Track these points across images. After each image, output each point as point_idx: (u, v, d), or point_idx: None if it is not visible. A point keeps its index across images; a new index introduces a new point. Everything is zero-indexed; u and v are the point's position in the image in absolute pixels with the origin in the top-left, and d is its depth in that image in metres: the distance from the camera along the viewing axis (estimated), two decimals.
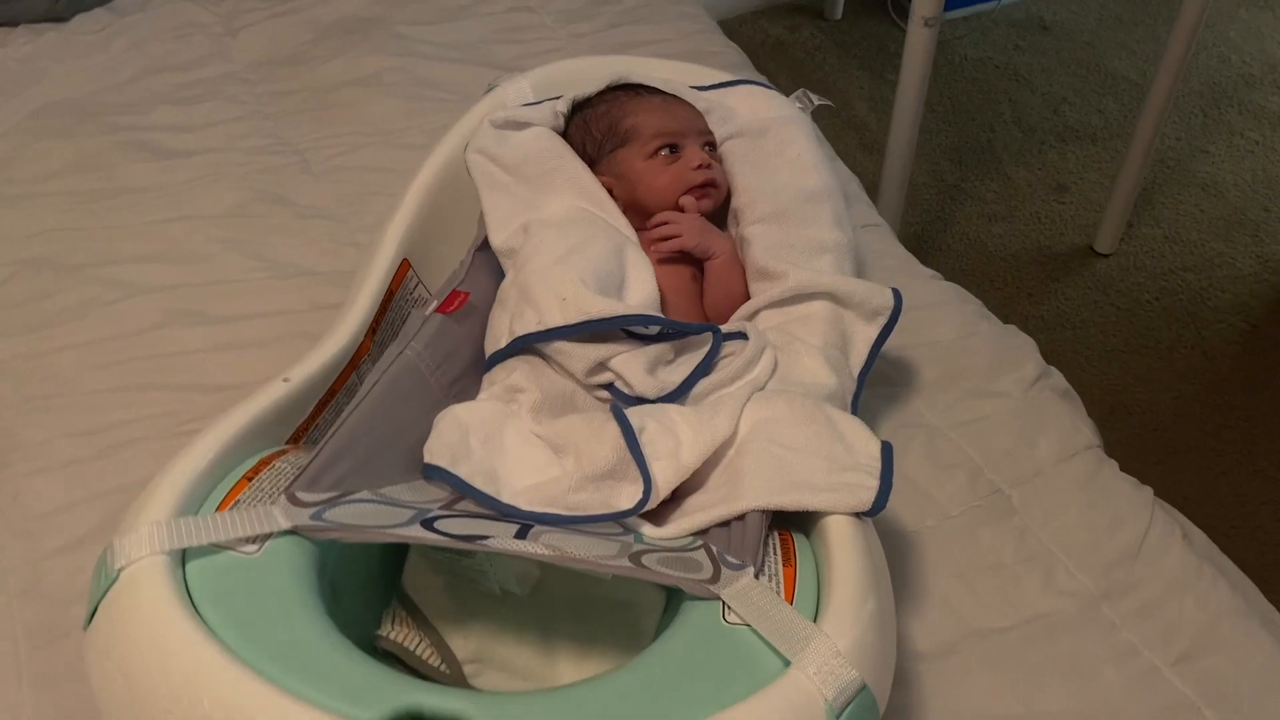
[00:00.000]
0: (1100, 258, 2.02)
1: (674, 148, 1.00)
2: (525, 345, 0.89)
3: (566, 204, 0.99)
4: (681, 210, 1.00)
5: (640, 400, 0.87)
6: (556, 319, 0.86)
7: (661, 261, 0.98)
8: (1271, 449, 1.70)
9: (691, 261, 1.00)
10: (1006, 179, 2.18)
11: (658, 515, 0.81)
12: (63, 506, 0.96)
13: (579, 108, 1.04)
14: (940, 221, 2.09)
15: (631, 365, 0.87)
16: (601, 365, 0.88)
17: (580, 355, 0.87)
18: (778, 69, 2.42)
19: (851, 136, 2.26)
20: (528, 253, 0.94)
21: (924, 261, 1.24)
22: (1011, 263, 2.01)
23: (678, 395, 0.87)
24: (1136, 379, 1.81)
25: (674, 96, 1.04)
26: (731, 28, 2.52)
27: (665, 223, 0.98)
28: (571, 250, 0.91)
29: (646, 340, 0.89)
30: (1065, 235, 2.07)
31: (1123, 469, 1.02)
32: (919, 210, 2.09)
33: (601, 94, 1.04)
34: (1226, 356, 1.84)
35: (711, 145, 1.03)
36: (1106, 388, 1.79)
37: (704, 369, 0.88)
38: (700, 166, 1.00)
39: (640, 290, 0.92)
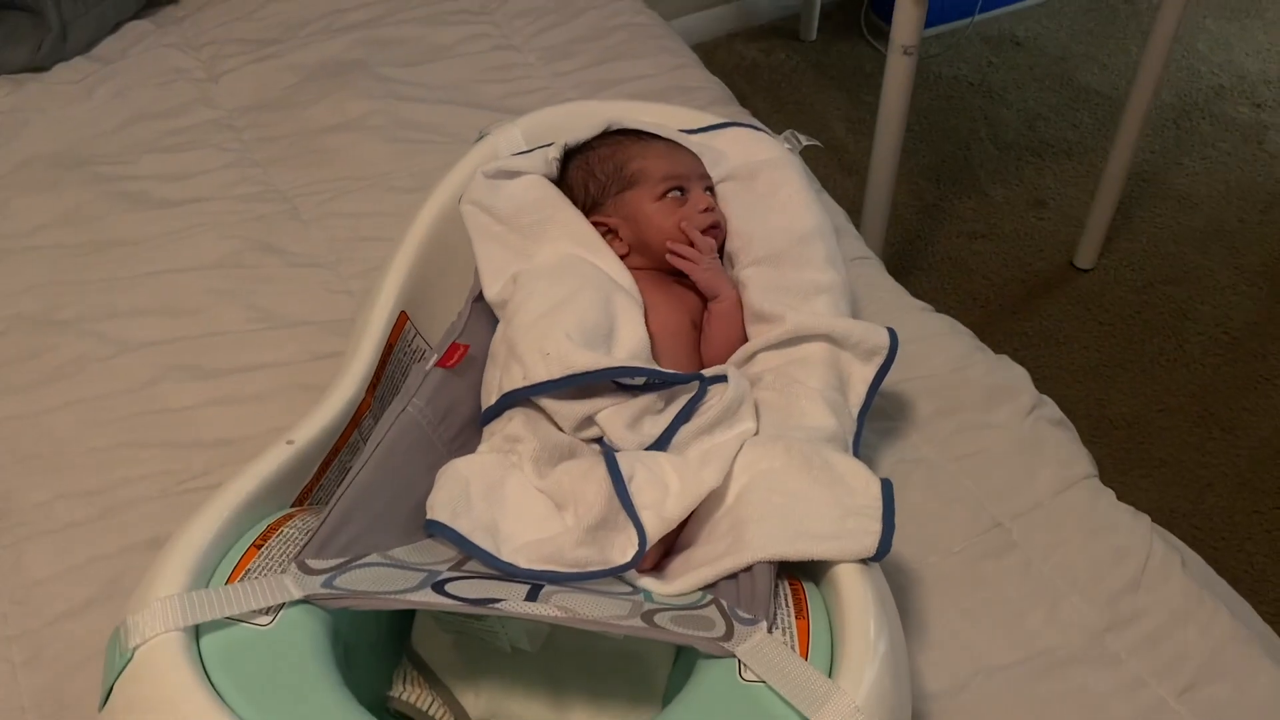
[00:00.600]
0: (1081, 273, 2.04)
1: (681, 190, 1.02)
2: (514, 401, 0.89)
3: (560, 251, 1.00)
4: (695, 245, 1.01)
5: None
6: (541, 374, 0.87)
7: (664, 302, 0.99)
8: (1255, 459, 1.72)
9: (690, 306, 1.01)
10: (985, 196, 2.20)
11: (664, 570, 0.82)
12: (64, 571, 0.95)
13: (577, 151, 1.05)
14: (921, 241, 2.10)
15: (615, 420, 0.87)
16: (589, 419, 0.88)
17: (568, 412, 0.88)
18: (754, 91, 2.44)
19: (831, 158, 2.28)
20: (515, 305, 0.94)
21: (906, 281, 1.25)
22: (993, 280, 2.03)
23: (660, 446, 0.88)
24: (1121, 393, 1.83)
25: (676, 144, 1.05)
26: (707, 50, 2.54)
27: (688, 244, 1.00)
28: (559, 303, 0.92)
29: (635, 391, 0.89)
30: (1045, 251, 2.09)
31: (1110, 483, 1.03)
32: (900, 230, 2.11)
33: (602, 137, 1.05)
34: (1208, 368, 1.87)
35: (711, 189, 1.05)
36: (1092, 402, 1.81)
37: (684, 416, 0.89)
38: (706, 210, 1.01)
39: (630, 338, 0.93)
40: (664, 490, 0.82)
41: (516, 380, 0.89)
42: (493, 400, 0.91)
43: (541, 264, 0.99)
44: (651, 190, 1.01)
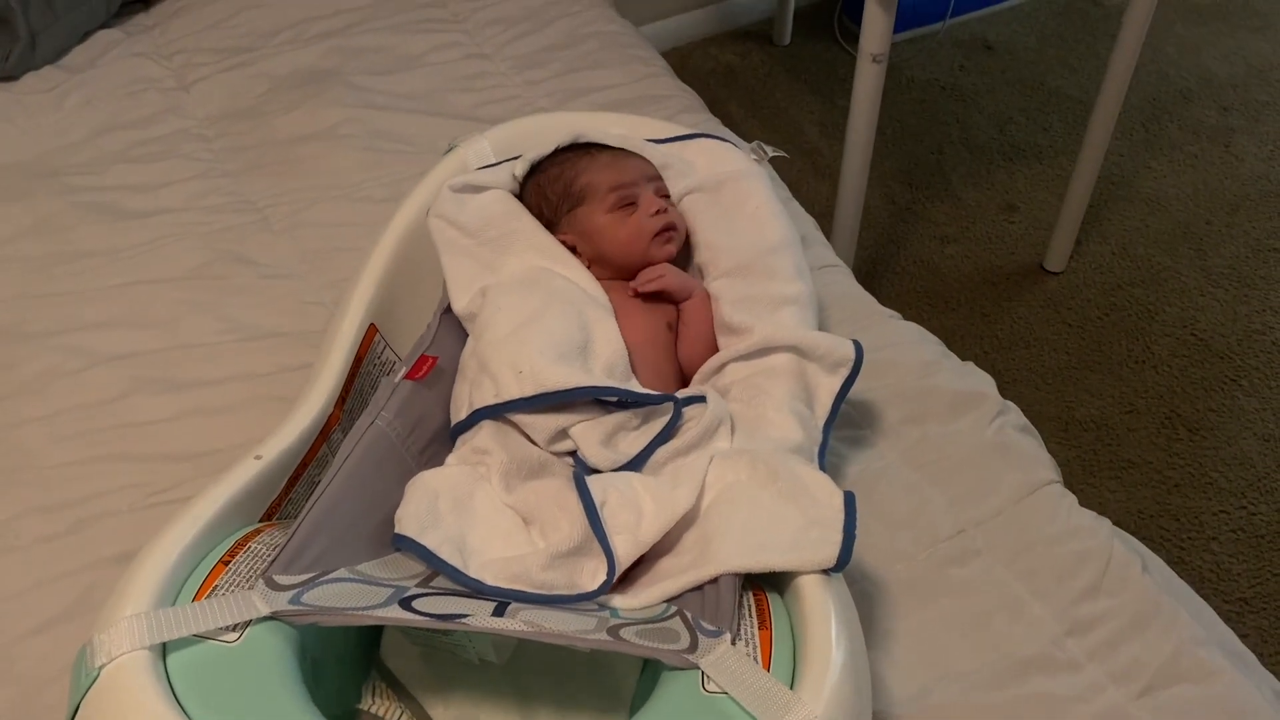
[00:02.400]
0: (1051, 275, 2.06)
1: (629, 199, 1.02)
2: (485, 417, 0.90)
3: (527, 263, 1.01)
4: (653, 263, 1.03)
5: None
6: (513, 391, 0.88)
7: (637, 310, 1.00)
8: (1219, 460, 1.75)
9: (662, 310, 1.02)
10: (957, 200, 2.22)
11: (630, 581, 0.82)
12: (33, 586, 0.95)
13: (530, 173, 1.06)
14: (893, 244, 2.12)
15: (589, 436, 0.88)
16: (563, 433, 0.89)
17: (541, 425, 0.88)
18: (729, 96, 2.45)
19: (804, 162, 2.30)
20: (485, 320, 0.95)
21: (877, 284, 1.27)
22: (964, 284, 2.05)
23: (635, 465, 0.88)
24: (1089, 394, 1.85)
25: (621, 150, 1.06)
26: (682, 55, 2.55)
27: (652, 277, 1.01)
28: (529, 319, 0.92)
29: (610, 406, 0.90)
30: (1016, 254, 2.11)
31: (1077, 485, 1.05)
32: (871, 233, 2.13)
33: (552, 157, 1.06)
34: (1174, 369, 1.89)
35: (662, 192, 1.05)
36: (1060, 404, 1.83)
37: (663, 438, 0.90)
38: (657, 212, 1.02)
39: (606, 349, 0.93)
40: (638, 513, 0.82)
41: (488, 396, 0.89)
42: (463, 416, 0.92)
43: (509, 277, 1.00)
44: (601, 204, 1.02)
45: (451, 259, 1.00)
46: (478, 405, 0.89)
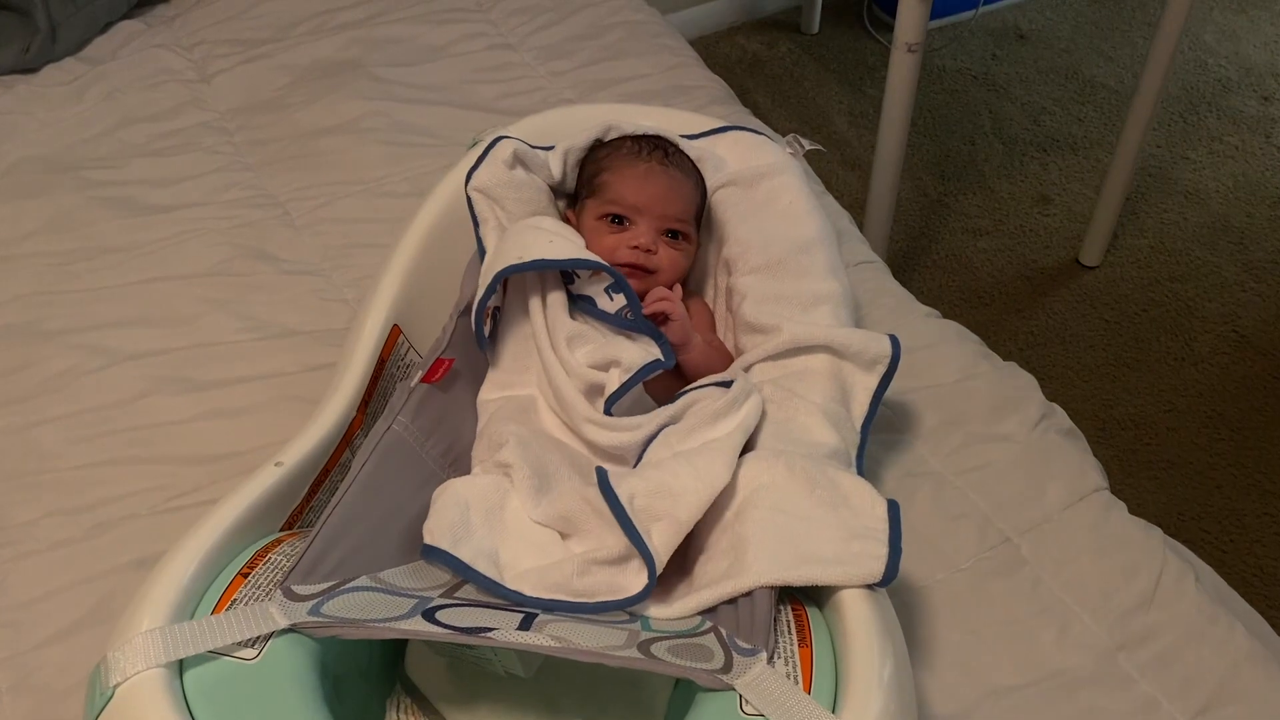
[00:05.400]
0: (1086, 270, 2.02)
1: (621, 219, 0.98)
2: (512, 274, 0.90)
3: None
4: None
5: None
6: (543, 253, 0.90)
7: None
8: (1263, 460, 1.70)
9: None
10: (990, 192, 2.17)
11: (663, 588, 0.79)
12: (52, 592, 0.93)
13: (596, 146, 1.04)
14: (925, 238, 2.08)
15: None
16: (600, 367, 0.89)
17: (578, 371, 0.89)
18: (756, 85, 2.41)
19: (833, 153, 2.25)
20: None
21: (910, 279, 1.23)
22: (998, 278, 2.01)
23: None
24: (1127, 392, 1.80)
25: (665, 168, 0.99)
26: (709, 44, 2.51)
27: (662, 298, 0.95)
28: (554, 224, 0.97)
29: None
30: (1050, 248, 2.06)
31: (1116, 485, 1.01)
32: (903, 227, 2.08)
33: (620, 139, 1.03)
34: (1216, 366, 1.84)
35: (677, 234, 0.99)
36: (1098, 402, 1.79)
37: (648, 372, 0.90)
38: (638, 248, 0.97)
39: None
40: (672, 496, 0.79)
41: (511, 258, 0.90)
42: (488, 280, 0.91)
43: None
44: (598, 207, 0.99)
45: (492, 237, 0.97)
46: (498, 268, 0.90)
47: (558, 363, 0.90)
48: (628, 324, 0.93)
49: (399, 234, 1.01)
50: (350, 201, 1.31)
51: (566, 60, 1.52)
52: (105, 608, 0.92)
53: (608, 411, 0.88)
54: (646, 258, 0.96)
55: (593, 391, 0.89)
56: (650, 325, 0.93)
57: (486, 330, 0.93)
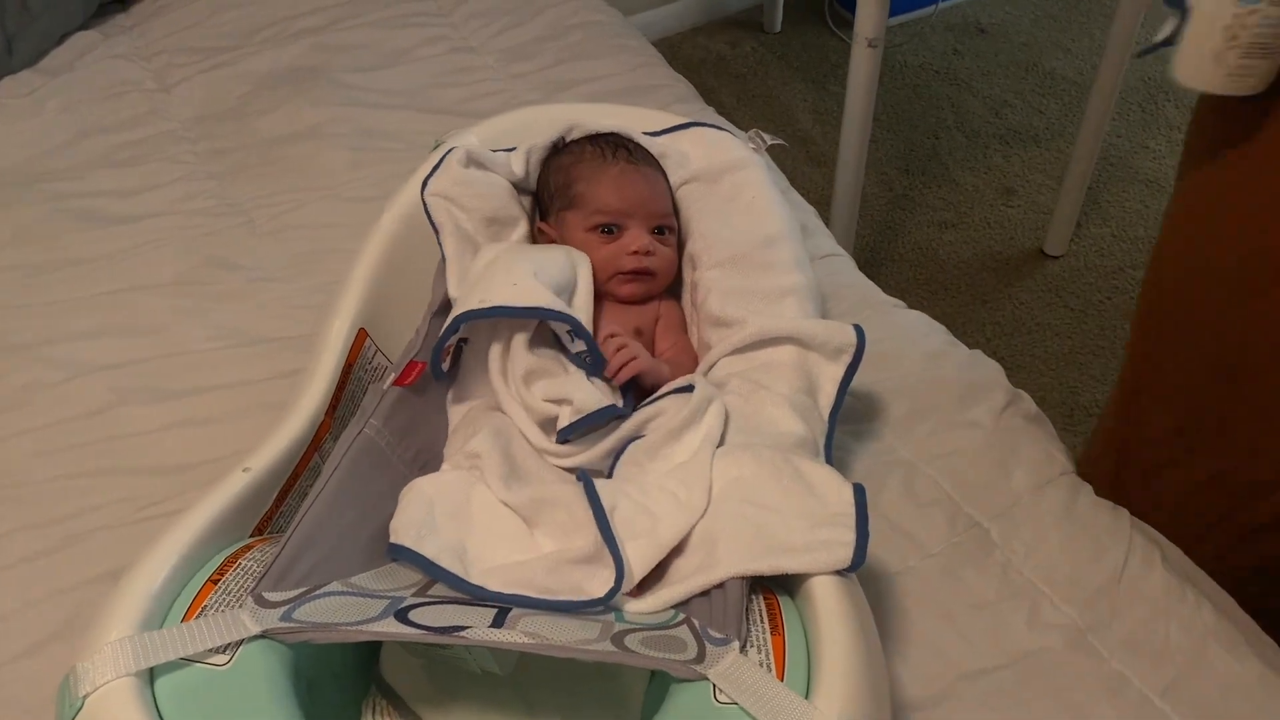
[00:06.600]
0: (1051, 260, 2.04)
1: (612, 228, 0.98)
2: (471, 320, 0.88)
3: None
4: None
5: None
6: (505, 299, 0.86)
7: (614, 316, 0.98)
8: None
9: (637, 318, 0.99)
10: (954, 185, 2.19)
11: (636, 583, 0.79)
12: (21, 607, 0.92)
13: (552, 150, 1.03)
14: (891, 231, 2.09)
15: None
16: (551, 418, 0.87)
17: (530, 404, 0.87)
18: (720, 85, 2.42)
19: (798, 150, 2.27)
20: (479, 267, 0.94)
21: (876, 272, 1.24)
22: (964, 269, 2.02)
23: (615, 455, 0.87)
24: (1093, 379, 1.82)
25: (635, 166, 1.00)
26: (673, 44, 2.51)
27: (621, 347, 0.93)
28: (528, 258, 0.92)
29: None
30: (1015, 239, 2.08)
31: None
32: (869, 221, 2.10)
33: (577, 143, 1.02)
34: None
35: (664, 229, 1.00)
36: (1065, 390, 1.81)
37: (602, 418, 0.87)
38: (637, 253, 0.97)
39: (584, 303, 0.94)
40: (652, 518, 0.79)
41: (473, 304, 0.87)
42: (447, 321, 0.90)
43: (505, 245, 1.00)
44: (584, 219, 0.98)
45: (451, 241, 0.97)
46: (459, 311, 0.87)
47: (512, 399, 0.89)
48: (587, 367, 0.91)
49: (364, 238, 1.00)
50: (314, 207, 1.30)
51: (529, 62, 1.52)
52: (77, 621, 0.91)
53: (561, 442, 0.87)
54: (648, 261, 0.97)
55: (548, 424, 0.88)
56: (606, 377, 0.91)
57: (445, 365, 0.91)
